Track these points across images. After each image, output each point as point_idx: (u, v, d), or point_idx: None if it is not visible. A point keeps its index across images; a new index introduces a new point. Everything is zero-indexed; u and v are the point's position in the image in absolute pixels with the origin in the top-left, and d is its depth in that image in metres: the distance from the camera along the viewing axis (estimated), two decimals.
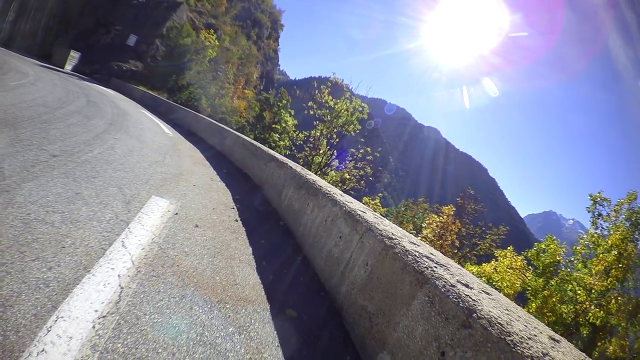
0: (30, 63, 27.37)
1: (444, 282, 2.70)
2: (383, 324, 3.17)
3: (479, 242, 34.76)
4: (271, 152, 10.46)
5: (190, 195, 6.89)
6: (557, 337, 2.21)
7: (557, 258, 24.33)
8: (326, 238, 5.04)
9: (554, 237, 25.09)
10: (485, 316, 2.22)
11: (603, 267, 22.18)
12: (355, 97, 31.32)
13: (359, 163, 30.69)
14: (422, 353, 2.59)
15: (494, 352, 2.04)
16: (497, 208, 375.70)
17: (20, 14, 43.35)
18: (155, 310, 2.90)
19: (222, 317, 3.20)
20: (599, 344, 22.39)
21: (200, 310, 3.17)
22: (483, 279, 25.11)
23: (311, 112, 31.09)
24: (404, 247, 3.36)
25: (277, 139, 37.81)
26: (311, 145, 31.86)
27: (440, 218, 34.48)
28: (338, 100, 30.24)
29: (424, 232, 34.36)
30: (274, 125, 41.28)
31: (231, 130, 16.90)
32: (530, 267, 26.16)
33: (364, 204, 5.96)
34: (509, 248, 28.07)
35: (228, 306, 3.43)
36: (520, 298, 25.87)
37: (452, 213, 34.79)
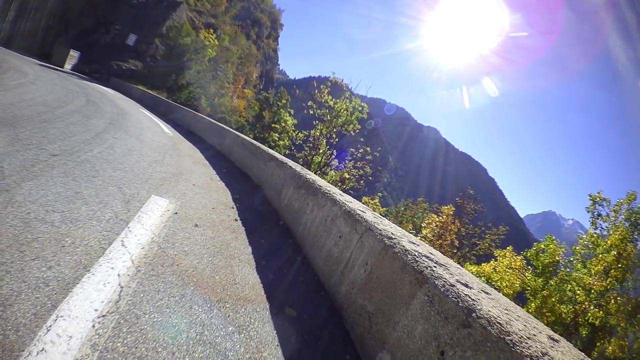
0: (29, 62, 27.37)
1: (444, 281, 2.71)
2: (383, 324, 3.17)
3: (478, 242, 34.77)
4: (271, 151, 10.46)
5: (189, 194, 6.89)
6: (557, 336, 2.21)
7: (557, 258, 24.35)
8: (326, 237, 5.04)
9: (554, 237, 25.11)
10: (485, 316, 2.22)
11: (602, 267, 22.21)
12: (354, 97, 31.34)
13: (359, 163, 30.71)
14: (421, 352, 2.59)
15: (493, 351, 2.04)
16: (496, 208, 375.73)
17: (20, 13, 43.33)
18: (155, 310, 2.90)
19: (222, 317, 3.20)
20: (598, 344, 22.41)
21: (200, 310, 3.17)
22: (482, 278, 25.11)
23: (311, 112, 31.11)
24: (404, 246, 3.36)
25: (277, 139, 37.84)
26: (311, 144, 31.88)
27: (440, 218, 34.49)
28: (338, 100, 30.26)
29: (424, 231, 34.37)
30: (273, 125, 41.31)
31: (231, 129, 16.90)
32: (529, 267, 26.17)
33: (363, 203, 5.96)
34: (508, 248, 28.07)
35: (228, 305, 3.43)
36: (520, 298, 25.88)
37: (452, 213, 34.80)
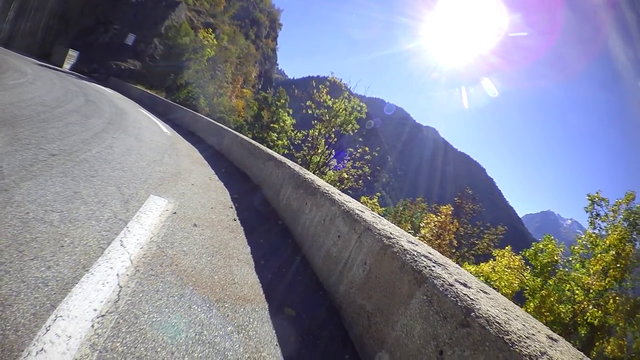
0: (29, 62, 27.38)
1: (442, 281, 2.71)
2: (381, 323, 3.17)
3: (477, 242, 34.75)
4: (269, 151, 10.46)
5: (188, 194, 6.90)
6: (555, 336, 2.22)
7: (555, 258, 24.36)
8: (324, 237, 5.04)
9: (552, 237, 25.12)
10: (484, 315, 2.23)
11: (601, 267, 22.23)
12: (353, 97, 31.34)
13: (357, 162, 30.70)
14: (420, 352, 2.60)
15: (492, 350, 2.05)
16: (495, 208, 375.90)
17: (20, 13, 43.35)
18: (154, 309, 2.90)
19: (221, 316, 3.21)
20: (597, 343, 22.43)
21: (199, 309, 3.17)
22: (481, 278, 25.12)
23: (309, 112, 31.11)
24: (403, 246, 3.36)
25: (276, 138, 37.81)
26: (309, 144, 31.87)
27: (438, 218, 34.47)
28: (336, 100, 30.27)
29: (422, 231, 34.36)
30: (272, 125, 41.29)
31: (229, 129, 16.91)
32: (528, 267, 26.17)
33: (362, 203, 5.97)
34: (507, 248, 28.07)
35: (227, 305, 3.44)
36: (518, 298, 25.89)
37: (450, 213, 34.79)
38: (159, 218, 4.93)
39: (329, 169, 31.91)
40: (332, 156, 31.79)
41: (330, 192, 5.61)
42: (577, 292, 22.39)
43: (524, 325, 2.21)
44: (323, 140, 31.25)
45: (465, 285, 2.68)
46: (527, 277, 25.15)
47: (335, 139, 31.02)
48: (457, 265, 3.27)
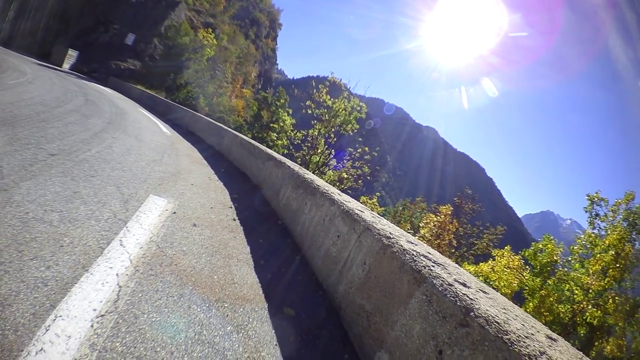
0: (28, 62, 27.39)
1: (442, 281, 2.71)
2: (381, 323, 3.17)
3: (476, 242, 34.75)
4: (269, 151, 10.47)
5: (188, 194, 6.90)
6: (555, 336, 2.22)
7: (555, 258, 24.34)
8: (324, 237, 5.04)
9: (552, 237, 25.11)
10: (483, 315, 2.23)
11: (600, 267, 22.22)
12: (353, 97, 31.34)
13: (357, 162, 30.70)
14: (419, 352, 2.60)
15: (491, 350, 2.05)
16: (494, 208, 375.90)
17: (20, 13, 43.38)
18: (153, 309, 2.90)
19: (221, 316, 3.21)
20: (596, 343, 22.43)
21: (199, 309, 3.17)
22: (480, 278, 25.11)
23: (309, 112, 31.13)
24: (402, 246, 3.37)
25: (275, 138, 37.81)
26: (309, 144, 31.86)
27: (438, 218, 34.48)
28: (336, 100, 30.27)
29: (422, 231, 34.36)
30: (271, 125, 41.29)
31: (229, 129, 16.91)
32: (527, 267, 26.17)
33: (361, 203, 5.97)
34: (506, 248, 28.06)
35: (226, 305, 3.44)
36: (518, 298, 25.89)
37: (450, 212, 34.80)
38: (159, 218, 4.93)
39: (329, 169, 31.91)
40: (331, 156, 31.79)
41: (329, 192, 5.61)
42: (576, 292, 22.38)
43: (523, 325, 2.21)
44: (323, 140, 31.24)
45: (464, 285, 2.68)
46: (526, 277, 25.14)
47: (335, 139, 31.02)
48: (457, 265, 3.27)
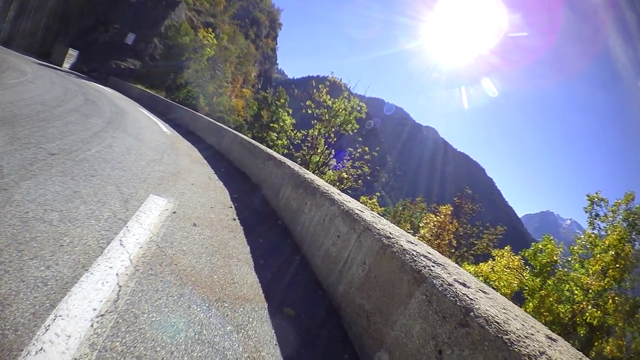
0: (28, 61, 27.38)
1: (442, 281, 2.71)
2: (381, 323, 3.17)
3: (476, 242, 34.73)
4: (269, 151, 10.46)
5: (188, 194, 6.89)
6: (554, 336, 2.22)
7: (555, 258, 24.35)
8: (324, 237, 5.04)
9: (551, 237, 25.11)
10: (483, 315, 2.23)
11: (600, 267, 22.22)
12: (353, 97, 31.34)
13: (357, 162, 30.69)
14: (419, 351, 2.60)
15: (491, 350, 2.05)
16: (494, 208, 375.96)
17: (20, 13, 43.41)
18: (153, 309, 2.90)
19: (220, 316, 3.21)
20: (596, 343, 22.44)
21: (199, 309, 3.17)
22: (480, 278, 25.11)
23: (309, 111, 31.13)
24: (402, 246, 3.37)
25: (275, 138, 37.81)
26: (309, 144, 31.86)
27: (438, 218, 34.47)
28: (336, 100, 30.27)
29: (422, 231, 34.36)
30: (271, 124, 41.28)
31: (229, 129, 16.91)
32: (527, 267, 26.17)
33: (361, 203, 5.97)
34: (506, 248, 28.07)
35: (226, 305, 3.44)
36: (518, 298, 25.89)
37: (450, 213, 34.79)
38: (159, 217, 4.93)
39: (329, 169, 31.91)
40: (331, 156, 31.79)
41: (329, 191, 5.61)
42: (576, 292, 22.39)
43: (523, 325, 2.21)
44: (323, 140, 31.24)
45: (464, 285, 2.68)
46: (526, 277, 25.14)
47: (335, 139, 31.02)
48: (456, 265, 3.28)
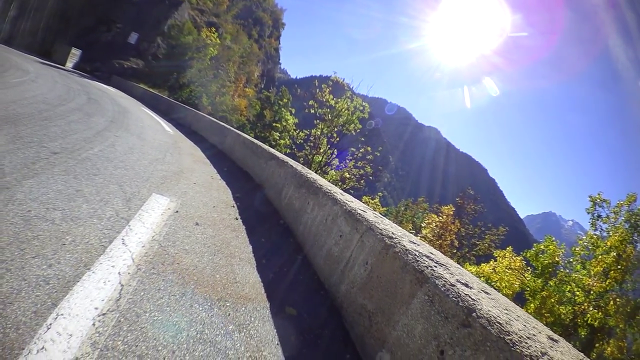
0: (30, 60, 27.40)
1: (444, 281, 2.71)
2: (383, 323, 3.17)
3: (478, 243, 34.69)
4: (271, 150, 10.46)
5: (190, 193, 6.90)
6: (556, 337, 2.22)
7: (556, 259, 24.31)
8: (326, 237, 5.04)
9: (553, 238, 25.07)
10: (485, 315, 2.23)
11: (602, 269, 22.19)
12: (356, 97, 31.33)
13: (359, 162, 30.69)
14: (421, 352, 2.60)
15: (493, 351, 2.05)
16: (496, 208, 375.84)
17: (20, 13, 43.47)
18: (155, 308, 2.90)
19: (222, 315, 3.21)
20: (597, 345, 22.41)
21: (201, 308, 3.17)
22: (482, 279, 25.03)
23: (312, 111, 31.16)
24: (404, 246, 3.36)
25: (278, 138, 37.86)
26: (312, 144, 31.87)
27: (440, 218, 34.46)
28: (339, 99, 30.28)
29: (424, 231, 34.35)
30: (274, 124, 41.36)
31: (232, 128, 16.91)
32: (529, 268, 26.15)
33: (364, 203, 5.97)
34: (508, 248, 28.06)
35: (228, 304, 3.44)
36: (519, 299, 25.86)
37: (452, 213, 34.77)
38: (161, 216, 4.93)
39: (331, 169, 31.92)
40: (334, 156, 31.80)
41: (332, 191, 5.61)
42: (577, 293, 22.38)
43: (525, 325, 2.21)
44: (325, 140, 31.25)
45: (466, 285, 2.68)
46: (527, 278, 25.11)
47: (338, 139, 31.03)
48: (459, 266, 3.27)
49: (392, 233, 3.70)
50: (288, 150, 35.52)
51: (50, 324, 2.32)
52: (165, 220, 4.85)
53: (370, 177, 31.63)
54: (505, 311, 2.36)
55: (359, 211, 4.49)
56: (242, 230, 5.94)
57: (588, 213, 24.62)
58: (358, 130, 30.79)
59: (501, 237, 34.41)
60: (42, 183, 4.33)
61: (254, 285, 4.05)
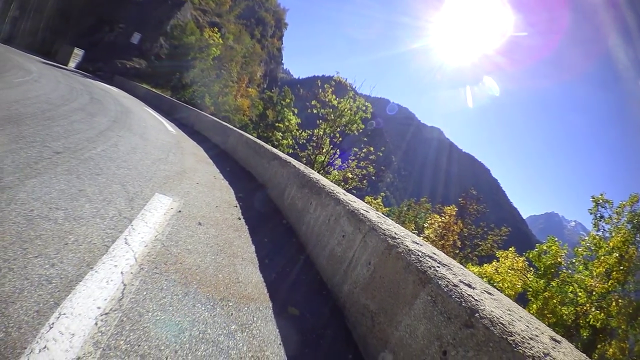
0: (33, 60, 27.44)
1: (447, 281, 2.71)
2: (385, 323, 3.17)
3: (480, 243, 34.66)
4: (274, 150, 10.47)
5: (193, 193, 6.90)
6: (558, 337, 2.22)
7: (559, 260, 24.28)
8: (329, 237, 5.04)
9: (556, 239, 25.04)
10: (488, 316, 2.22)
11: (604, 270, 22.16)
12: (358, 97, 31.33)
13: (362, 162, 30.68)
14: (423, 352, 2.60)
15: (496, 351, 2.05)
16: (499, 209, 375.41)
17: (20, 13, 43.52)
18: (158, 308, 2.90)
19: (225, 315, 3.21)
20: (598, 346, 22.37)
21: (203, 308, 3.17)
22: (484, 279, 25.05)
23: (314, 111, 31.17)
24: (407, 246, 3.36)
25: (280, 138, 37.89)
26: (314, 144, 31.88)
27: (442, 218, 34.46)
28: (342, 100, 30.29)
29: (426, 232, 34.36)
30: (277, 124, 41.39)
31: (234, 128, 16.95)
32: (531, 269, 26.13)
33: (366, 203, 5.98)
34: (510, 249, 28.06)
35: (231, 304, 3.44)
36: (521, 299, 25.84)
37: (454, 213, 34.76)
38: (164, 216, 4.93)
39: (334, 169, 31.92)
40: (336, 156, 31.81)
41: (335, 191, 5.61)
42: (579, 294, 22.33)
43: (527, 326, 2.21)
44: (328, 140, 31.26)
45: (469, 286, 2.67)
46: (530, 279, 25.09)
47: (340, 139, 31.04)
48: (462, 266, 3.27)
49: (395, 233, 3.70)
50: (291, 150, 35.55)
51: (53, 323, 2.32)
52: (168, 220, 4.85)
53: (373, 177, 31.64)
54: (508, 312, 2.36)
55: (362, 211, 4.49)
56: (245, 230, 5.95)
57: (591, 214, 24.59)
58: (361, 130, 30.80)
59: (504, 238, 34.38)
60: (45, 182, 4.34)
61: (257, 285, 4.05)
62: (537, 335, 2.10)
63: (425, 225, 35.71)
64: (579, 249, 24.30)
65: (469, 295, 2.49)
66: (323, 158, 31.13)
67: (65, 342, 2.23)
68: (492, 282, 25.35)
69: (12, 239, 2.98)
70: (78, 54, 44.66)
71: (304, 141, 34.10)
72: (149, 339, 2.53)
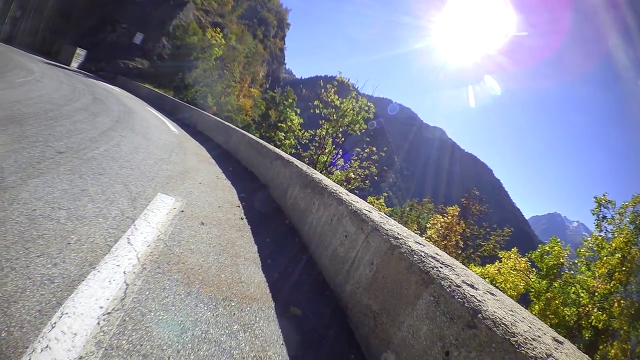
0: (35, 60, 27.49)
1: (450, 282, 2.70)
2: (388, 323, 3.17)
3: (483, 243, 34.66)
4: (277, 150, 10.47)
5: (196, 192, 6.91)
6: (561, 338, 2.21)
7: (561, 260, 24.26)
8: (331, 237, 5.04)
9: (558, 239, 25.03)
10: (490, 317, 2.22)
11: (606, 270, 22.14)
12: (361, 97, 31.32)
13: (365, 162, 30.66)
14: (426, 352, 2.59)
15: (498, 352, 2.04)
16: (502, 209, 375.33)
17: (20, 13, 43.58)
18: (160, 307, 2.90)
19: (227, 315, 3.21)
20: (600, 347, 22.34)
21: (206, 308, 3.17)
22: (486, 280, 24.99)
23: (317, 111, 31.14)
24: (410, 247, 3.36)
25: (283, 138, 37.85)
26: (317, 144, 31.87)
27: (445, 218, 34.43)
28: (344, 100, 30.26)
29: (428, 232, 34.34)
30: (279, 124, 41.36)
31: (237, 128, 16.95)
32: (534, 269, 26.11)
33: (369, 203, 5.97)
34: (513, 249, 28.03)
35: (233, 304, 3.44)
36: (524, 300, 25.81)
37: (457, 214, 34.74)
38: (167, 216, 4.94)
39: (336, 169, 31.91)
40: (339, 156, 31.81)
41: (337, 191, 5.61)
42: (582, 295, 22.31)
43: (530, 327, 2.20)
44: (330, 140, 31.26)
45: (472, 286, 2.67)
46: (532, 279, 25.07)
47: (343, 139, 31.03)
48: (464, 267, 3.27)
49: (398, 233, 3.70)
50: (293, 151, 35.53)
51: (55, 323, 2.32)
52: (170, 220, 4.86)
53: (376, 178, 31.60)
54: (511, 312, 2.35)
55: (365, 211, 4.49)
56: (248, 230, 5.95)
57: (593, 214, 24.57)
58: (363, 131, 30.78)
59: (506, 238, 34.38)
60: (48, 182, 4.34)
61: (259, 285, 4.05)
62: (539, 336, 2.10)
63: (428, 226, 35.70)
64: (582, 250, 24.29)
65: (472, 295, 2.49)
66: (325, 158, 31.11)
67: (68, 341, 2.23)
68: (494, 282, 25.33)
69: (14, 238, 2.98)
70: (80, 54, 44.76)
71: (307, 141, 34.08)
72: (151, 339, 2.53)
